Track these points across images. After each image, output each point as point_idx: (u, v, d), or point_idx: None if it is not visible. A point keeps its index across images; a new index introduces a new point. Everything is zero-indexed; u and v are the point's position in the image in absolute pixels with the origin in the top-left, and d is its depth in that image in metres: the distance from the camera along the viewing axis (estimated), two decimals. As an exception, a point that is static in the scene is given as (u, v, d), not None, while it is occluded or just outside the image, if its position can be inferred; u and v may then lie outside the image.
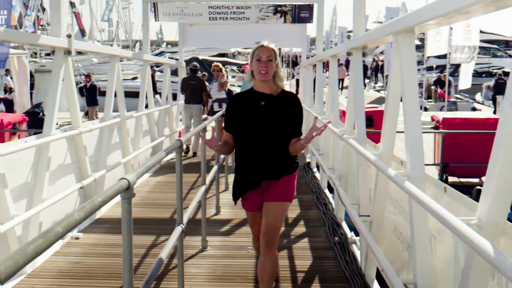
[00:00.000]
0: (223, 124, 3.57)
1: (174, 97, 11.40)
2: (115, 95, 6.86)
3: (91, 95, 17.58)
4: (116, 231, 5.43)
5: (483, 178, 11.17)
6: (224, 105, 8.62)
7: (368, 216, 4.39)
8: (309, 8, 10.25)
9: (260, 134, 3.30)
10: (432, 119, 11.41)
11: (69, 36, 5.05)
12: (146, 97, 8.70)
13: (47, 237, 1.44)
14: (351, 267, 4.44)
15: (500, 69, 32.52)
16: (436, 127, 10.87)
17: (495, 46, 42.09)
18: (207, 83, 9.94)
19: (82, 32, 59.48)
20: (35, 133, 8.05)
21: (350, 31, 31.55)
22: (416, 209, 2.81)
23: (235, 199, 3.55)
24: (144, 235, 5.17)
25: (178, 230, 3.37)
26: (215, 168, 5.92)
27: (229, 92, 9.30)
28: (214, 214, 6.03)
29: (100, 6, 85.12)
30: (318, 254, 4.87)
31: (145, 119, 8.76)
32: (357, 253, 4.74)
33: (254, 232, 3.61)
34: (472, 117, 11.10)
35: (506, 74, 25.91)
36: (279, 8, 10.18)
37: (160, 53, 34.93)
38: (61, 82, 5.00)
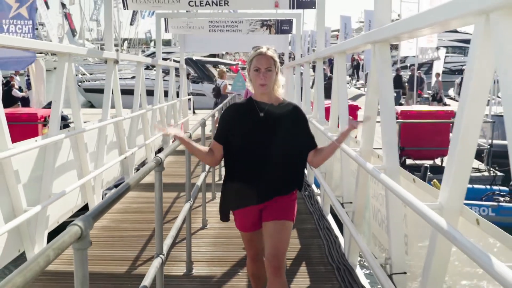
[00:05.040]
0: (215, 133, 3.22)
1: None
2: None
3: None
4: (148, 190, 7.57)
5: (436, 161, 13.44)
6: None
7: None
8: (289, 22, 12.61)
9: (260, 148, 2.99)
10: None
11: (117, 50, 7.15)
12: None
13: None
14: (314, 207, 6.63)
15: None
16: (396, 118, 13.11)
17: (469, 45, 44.21)
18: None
19: (73, 31, 61.05)
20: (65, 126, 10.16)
21: (333, 31, 33.64)
22: (343, 156, 5.00)
23: (225, 218, 3.22)
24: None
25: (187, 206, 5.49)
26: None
27: None
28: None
29: (89, 6, 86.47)
30: (293, 201, 7.04)
31: (158, 112, 10.87)
32: (320, 200, 6.92)
33: (251, 253, 3.26)
34: (425, 109, 13.36)
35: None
36: (265, 22, 12.52)
37: (154, 54, 36.83)
38: (112, 83, 7.09)
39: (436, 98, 22.06)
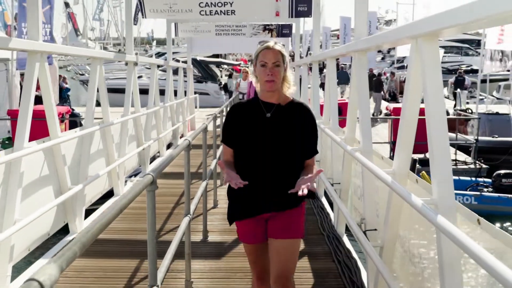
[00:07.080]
0: (222, 138, 2.94)
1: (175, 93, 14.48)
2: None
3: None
4: (176, 177, 8.53)
5: (427, 155, 14.43)
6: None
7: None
8: (289, 26, 13.69)
9: (265, 152, 2.78)
10: (386, 109, 14.68)
11: (136, 53, 8.11)
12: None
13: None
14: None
15: (468, 66, 35.69)
16: (389, 115, 14.10)
17: (466, 45, 44.92)
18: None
19: (76, 31, 61.96)
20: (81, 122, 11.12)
21: (333, 31, 34.58)
22: (333, 144, 5.95)
23: (232, 219, 3.01)
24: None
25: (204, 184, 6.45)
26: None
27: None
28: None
29: (92, 5, 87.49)
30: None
31: (169, 109, 11.84)
32: (314, 185, 7.86)
33: (257, 270, 2.97)
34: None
35: (467, 72, 29.21)
36: (267, 26, 13.61)
37: (158, 54, 37.78)
38: (132, 83, 8.04)
39: (393, 97, 23.22)
